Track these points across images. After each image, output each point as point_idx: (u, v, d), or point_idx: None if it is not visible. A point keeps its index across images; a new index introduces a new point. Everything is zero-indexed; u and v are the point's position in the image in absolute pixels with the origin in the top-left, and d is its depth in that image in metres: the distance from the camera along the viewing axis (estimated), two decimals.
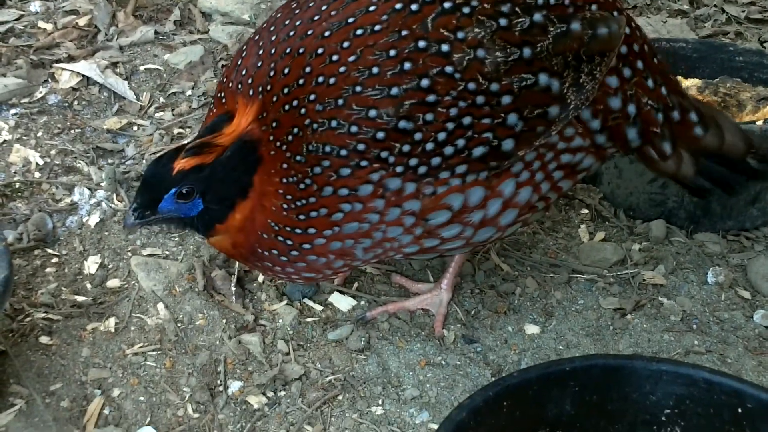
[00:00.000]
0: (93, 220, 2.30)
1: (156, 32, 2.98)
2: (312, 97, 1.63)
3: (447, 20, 1.63)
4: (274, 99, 1.66)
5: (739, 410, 1.59)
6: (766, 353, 2.06)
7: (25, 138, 2.54)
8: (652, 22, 3.17)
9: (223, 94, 1.78)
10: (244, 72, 1.72)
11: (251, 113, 1.69)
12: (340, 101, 1.62)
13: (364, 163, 1.65)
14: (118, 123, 2.60)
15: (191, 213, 1.74)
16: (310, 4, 1.71)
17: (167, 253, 2.23)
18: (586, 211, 2.44)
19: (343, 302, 2.13)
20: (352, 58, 1.62)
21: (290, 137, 1.66)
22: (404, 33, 1.62)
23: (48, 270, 2.18)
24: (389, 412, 1.90)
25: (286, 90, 1.65)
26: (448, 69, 1.62)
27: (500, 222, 1.82)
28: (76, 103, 2.68)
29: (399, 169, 1.66)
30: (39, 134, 2.56)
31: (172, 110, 2.68)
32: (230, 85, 1.74)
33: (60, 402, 1.89)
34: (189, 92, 2.75)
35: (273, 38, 1.71)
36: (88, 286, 2.15)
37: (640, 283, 2.22)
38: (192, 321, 2.06)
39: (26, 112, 2.62)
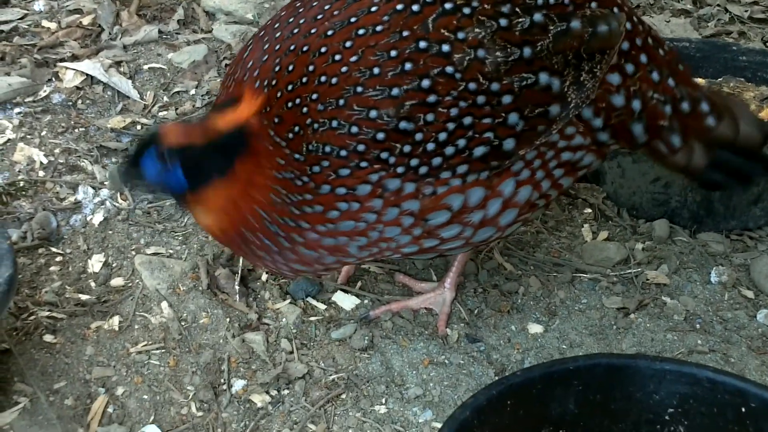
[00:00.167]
0: (97, 218, 2.31)
1: (160, 31, 2.98)
2: (314, 96, 1.64)
3: (448, 21, 1.63)
4: (279, 95, 1.67)
5: (743, 409, 1.59)
6: None
7: (29, 137, 2.54)
8: (656, 22, 3.17)
9: (230, 82, 1.79)
10: (250, 64, 1.73)
11: (255, 104, 1.69)
12: (341, 101, 1.62)
13: (363, 164, 1.65)
14: (122, 122, 2.61)
15: (172, 179, 1.73)
16: (314, 3, 1.72)
17: (171, 251, 2.23)
18: (590, 210, 2.44)
19: (346, 301, 2.13)
20: (354, 58, 1.62)
21: (291, 135, 1.66)
22: (405, 34, 1.62)
23: (52, 268, 2.18)
24: (392, 410, 1.90)
25: (290, 87, 1.66)
26: (449, 69, 1.62)
27: (500, 222, 1.81)
28: (80, 102, 2.69)
29: (400, 169, 1.67)
30: (43, 133, 2.56)
31: (176, 109, 2.68)
32: (236, 75, 1.76)
33: (64, 400, 1.89)
34: (193, 91, 2.75)
35: (277, 35, 1.71)
36: (92, 284, 2.15)
37: (644, 283, 2.22)
38: (196, 320, 2.07)
39: (30, 111, 2.62)
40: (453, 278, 2.09)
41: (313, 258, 1.81)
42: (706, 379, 1.62)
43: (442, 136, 1.65)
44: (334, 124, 1.63)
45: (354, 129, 1.63)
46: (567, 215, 2.42)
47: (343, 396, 1.92)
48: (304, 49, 1.66)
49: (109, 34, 2.95)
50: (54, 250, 2.23)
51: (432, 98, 1.62)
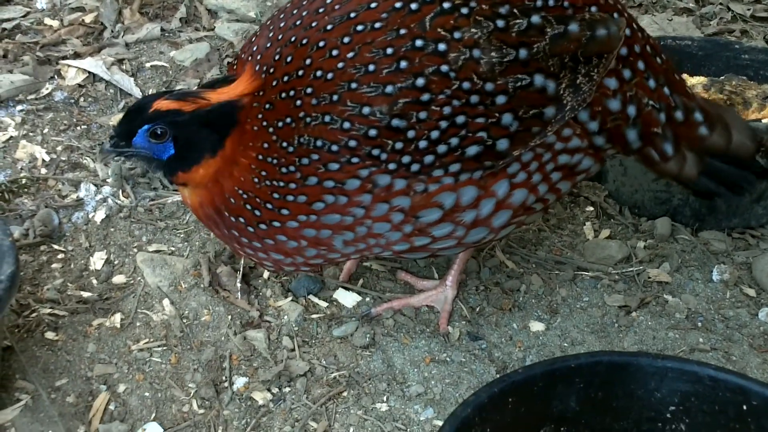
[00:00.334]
0: (99, 216, 2.31)
1: (162, 29, 2.98)
2: (309, 90, 1.65)
3: (445, 20, 1.64)
4: (274, 83, 1.68)
5: (744, 407, 1.59)
6: None
7: (31, 134, 2.55)
8: (658, 20, 3.17)
9: (236, 62, 1.82)
10: (255, 48, 1.74)
11: (251, 86, 1.70)
12: (335, 97, 1.63)
13: (355, 159, 1.66)
14: None
15: (162, 155, 1.74)
16: None
17: (173, 249, 2.23)
18: (592, 208, 2.44)
19: (348, 299, 2.13)
20: (350, 54, 1.63)
21: (281, 124, 1.67)
22: (402, 32, 1.63)
23: (54, 266, 2.18)
24: (394, 408, 1.90)
25: (286, 78, 1.67)
26: (444, 68, 1.63)
27: (493, 223, 1.81)
28: (82, 99, 2.69)
29: (391, 166, 1.67)
30: (45, 130, 2.56)
31: None
32: (242, 56, 1.78)
33: (65, 397, 1.89)
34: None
35: (282, 25, 1.73)
36: (94, 282, 2.15)
37: (645, 281, 2.22)
38: (197, 317, 2.07)
39: (32, 109, 2.63)
40: (455, 276, 2.09)
41: (293, 248, 1.81)
42: (707, 377, 1.62)
43: (435, 134, 1.65)
44: (327, 119, 1.64)
45: (346, 125, 1.63)
46: (569, 213, 2.42)
47: (345, 394, 1.92)
48: (304, 42, 1.67)
49: (112, 31, 2.96)
50: (56, 247, 2.23)
51: (425, 96, 1.63)
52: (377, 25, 1.63)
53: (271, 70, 1.69)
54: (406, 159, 1.66)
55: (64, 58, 2.81)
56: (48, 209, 2.31)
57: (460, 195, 1.73)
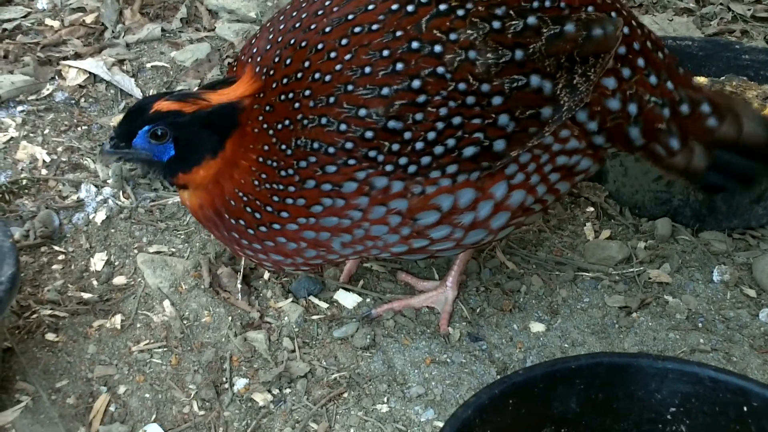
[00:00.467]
0: (99, 217, 2.31)
1: (163, 30, 2.98)
2: (307, 92, 1.65)
3: (441, 22, 1.64)
4: (274, 85, 1.69)
5: (745, 408, 1.59)
6: None
7: (32, 135, 2.55)
8: (658, 21, 3.16)
9: (235, 64, 1.82)
10: (255, 50, 1.75)
11: (251, 87, 1.71)
12: (332, 99, 1.63)
13: (351, 161, 1.66)
14: None
15: (162, 156, 1.74)
16: None
17: (173, 250, 2.23)
18: (592, 209, 2.44)
19: (348, 300, 2.13)
20: (347, 57, 1.64)
21: (280, 126, 1.68)
22: (398, 34, 1.63)
23: (54, 267, 2.18)
24: (394, 409, 1.90)
25: (285, 80, 1.67)
26: (440, 70, 1.63)
27: (491, 225, 1.81)
28: (83, 100, 2.69)
29: (388, 167, 1.67)
30: (46, 131, 2.56)
31: None
32: (242, 57, 1.78)
33: (66, 399, 1.89)
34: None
35: (281, 27, 1.73)
36: (95, 283, 2.15)
37: (646, 282, 2.22)
38: (198, 318, 2.07)
39: (33, 109, 2.63)
40: (455, 277, 2.09)
41: (292, 250, 1.81)
42: (708, 378, 1.62)
43: (431, 135, 1.65)
44: (324, 121, 1.64)
45: (343, 126, 1.64)
46: (569, 214, 2.42)
47: (345, 395, 1.93)
48: (303, 44, 1.68)
49: (112, 32, 2.96)
50: (56, 248, 2.23)
51: (421, 98, 1.63)
52: (374, 27, 1.64)
53: (271, 72, 1.69)
54: (402, 160, 1.66)
55: (65, 58, 2.81)
56: (48, 210, 2.31)
57: (457, 197, 1.73)
